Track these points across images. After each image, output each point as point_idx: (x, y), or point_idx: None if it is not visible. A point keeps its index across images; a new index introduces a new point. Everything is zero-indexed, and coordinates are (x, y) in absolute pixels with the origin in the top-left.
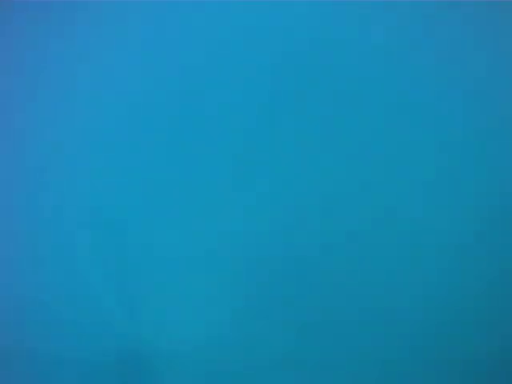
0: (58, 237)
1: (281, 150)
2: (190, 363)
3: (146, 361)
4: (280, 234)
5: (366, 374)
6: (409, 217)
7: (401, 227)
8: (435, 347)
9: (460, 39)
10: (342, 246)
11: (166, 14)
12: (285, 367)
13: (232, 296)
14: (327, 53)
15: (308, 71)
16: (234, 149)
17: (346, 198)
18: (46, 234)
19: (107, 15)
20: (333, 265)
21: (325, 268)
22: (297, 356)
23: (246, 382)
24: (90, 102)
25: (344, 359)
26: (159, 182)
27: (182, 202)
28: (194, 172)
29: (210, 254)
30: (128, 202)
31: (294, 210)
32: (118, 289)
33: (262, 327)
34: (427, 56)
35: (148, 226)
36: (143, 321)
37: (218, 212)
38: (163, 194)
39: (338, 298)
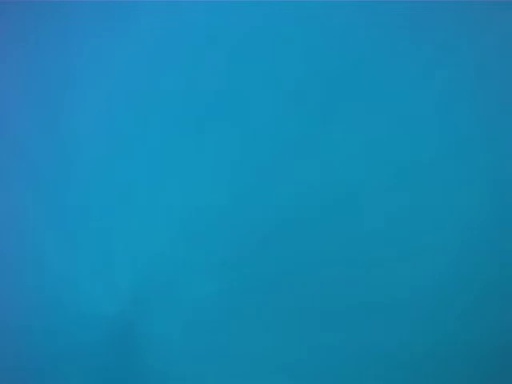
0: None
1: (281, 148)
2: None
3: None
4: (281, 227)
5: (364, 363)
6: (409, 214)
7: (402, 225)
8: (435, 346)
9: (458, 37)
10: (343, 243)
11: (168, 13)
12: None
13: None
14: (326, 52)
15: (308, 73)
16: (234, 148)
17: (346, 197)
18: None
19: (108, 15)
20: (333, 262)
21: (325, 267)
22: (290, 343)
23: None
24: (89, 101)
25: (344, 356)
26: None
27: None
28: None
29: (199, 223)
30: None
31: (294, 209)
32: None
33: (256, 319)
34: (427, 55)
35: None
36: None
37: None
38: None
39: (339, 296)
